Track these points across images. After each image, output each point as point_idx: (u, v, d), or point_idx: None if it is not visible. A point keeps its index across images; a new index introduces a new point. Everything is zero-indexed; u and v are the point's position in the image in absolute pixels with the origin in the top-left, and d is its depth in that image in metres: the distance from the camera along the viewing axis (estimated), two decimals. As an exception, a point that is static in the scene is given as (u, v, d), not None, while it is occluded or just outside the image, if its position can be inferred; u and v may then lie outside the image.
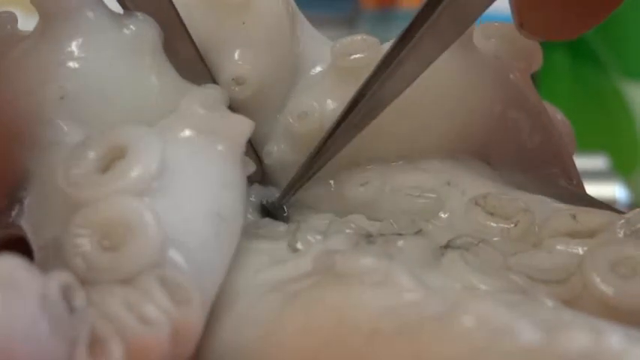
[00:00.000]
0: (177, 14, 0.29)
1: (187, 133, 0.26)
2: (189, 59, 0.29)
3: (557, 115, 0.34)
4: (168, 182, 0.24)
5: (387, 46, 0.29)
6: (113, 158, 0.24)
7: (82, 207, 0.23)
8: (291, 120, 0.30)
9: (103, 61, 0.27)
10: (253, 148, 0.31)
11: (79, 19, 0.27)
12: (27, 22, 0.29)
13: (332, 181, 0.31)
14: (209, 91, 0.29)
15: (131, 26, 0.28)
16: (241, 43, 0.30)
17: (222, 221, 0.25)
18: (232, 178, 0.26)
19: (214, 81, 0.30)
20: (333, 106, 0.30)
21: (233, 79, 0.30)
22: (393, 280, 0.22)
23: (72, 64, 0.27)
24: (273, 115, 0.31)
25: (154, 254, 0.22)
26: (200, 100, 0.27)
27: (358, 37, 0.30)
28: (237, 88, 0.30)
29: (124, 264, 0.22)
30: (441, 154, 0.31)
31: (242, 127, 0.27)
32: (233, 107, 0.30)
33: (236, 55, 0.30)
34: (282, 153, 0.31)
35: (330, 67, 0.31)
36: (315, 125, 0.30)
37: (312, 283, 0.23)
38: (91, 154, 0.24)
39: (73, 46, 0.27)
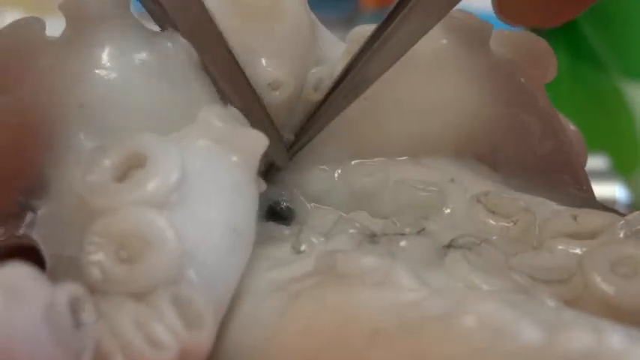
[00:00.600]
0: (216, 29, 0.29)
1: (204, 144, 0.25)
2: (225, 69, 0.29)
3: (570, 126, 0.34)
4: (186, 194, 0.23)
5: None
6: (130, 166, 0.24)
7: (98, 215, 0.22)
8: (306, 91, 0.31)
9: (126, 72, 0.27)
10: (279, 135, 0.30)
11: (106, 27, 0.27)
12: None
13: (337, 172, 0.31)
14: (229, 109, 0.28)
15: (167, 43, 0.28)
16: (271, 48, 0.30)
17: (238, 236, 0.25)
18: (247, 192, 0.26)
19: (251, 87, 0.29)
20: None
21: (269, 84, 0.29)
22: (394, 280, 0.22)
23: (94, 73, 0.27)
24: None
25: (171, 270, 0.22)
26: (218, 113, 0.26)
27: (374, 25, 0.30)
28: (276, 93, 0.30)
29: (139, 277, 0.21)
30: (447, 153, 0.31)
31: (258, 142, 0.26)
32: (269, 112, 0.30)
33: (269, 60, 0.30)
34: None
35: (345, 49, 0.31)
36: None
37: (313, 283, 0.23)
38: (108, 162, 0.24)
39: (97, 55, 0.27)
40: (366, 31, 0.30)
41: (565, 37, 0.90)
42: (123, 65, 0.27)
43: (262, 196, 0.28)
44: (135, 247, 0.22)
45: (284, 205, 0.30)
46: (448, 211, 0.29)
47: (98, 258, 0.22)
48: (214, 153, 0.25)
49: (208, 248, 0.23)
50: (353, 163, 0.31)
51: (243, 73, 0.29)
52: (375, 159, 0.31)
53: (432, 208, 0.29)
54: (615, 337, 0.19)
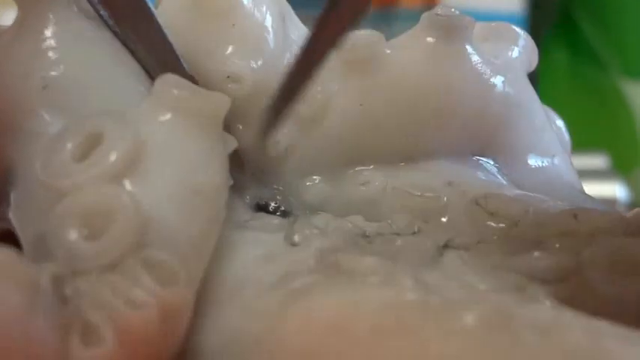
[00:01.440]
0: (152, 14, 0.29)
1: (163, 113, 0.26)
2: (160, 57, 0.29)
3: (557, 121, 0.34)
4: (145, 164, 0.24)
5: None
6: (90, 146, 0.24)
7: (62, 197, 0.23)
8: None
9: (83, 49, 0.27)
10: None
11: (57, 7, 0.27)
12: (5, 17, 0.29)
13: (332, 180, 0.31)
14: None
15: None
16: (231, 43, 0.30)
17: (203, 198, 0.25)
18: (211, 154, 0.26)
19: (183, 67, 0.29)
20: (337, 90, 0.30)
21: (228, 76, 0.29)
22: (395, 280, 0.22)
23: (53, 54, 0.27)
24: None
25: (134, 237, 0.22)
26: (174, 80, 0.26)
27: (363, 31, 0.30)
28: (234, 86, 0.29)
29: (106, 251, 0.22)
30: (443, 154, 0.31)
31: (218, 102, 0.26)
32: (231, 109, 0.29)
33: (227, 54, 0.29)
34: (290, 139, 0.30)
35: (336, 58, 0.30)
36: (319, 109, 0.30)
37: (314, 282, 0.23)
38: (68, 144, 0.24)
39: (53, 35, 0.27)
40: (353, 39, 0.29)
41: (565, 36, 0.90)
42: (79, 43, 0.27)
43: (252, 195, 0.28)
44: (97, 222, 0.22)
45: (278, 207, 0.30)
46: (446, 216, 0.29)
47: (66, 239, 0.22)
48: (175, 123, 0.26)
49: (170, 211, 0.24)
50: (349, 171, 0.31)
51: (179, 61, 0.29)
52: (371, 166, 0.31)
53: (430, 214, 0.29)
54: (612, 338, 0.19)
